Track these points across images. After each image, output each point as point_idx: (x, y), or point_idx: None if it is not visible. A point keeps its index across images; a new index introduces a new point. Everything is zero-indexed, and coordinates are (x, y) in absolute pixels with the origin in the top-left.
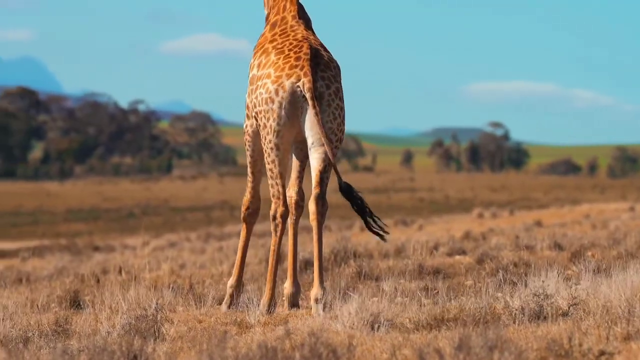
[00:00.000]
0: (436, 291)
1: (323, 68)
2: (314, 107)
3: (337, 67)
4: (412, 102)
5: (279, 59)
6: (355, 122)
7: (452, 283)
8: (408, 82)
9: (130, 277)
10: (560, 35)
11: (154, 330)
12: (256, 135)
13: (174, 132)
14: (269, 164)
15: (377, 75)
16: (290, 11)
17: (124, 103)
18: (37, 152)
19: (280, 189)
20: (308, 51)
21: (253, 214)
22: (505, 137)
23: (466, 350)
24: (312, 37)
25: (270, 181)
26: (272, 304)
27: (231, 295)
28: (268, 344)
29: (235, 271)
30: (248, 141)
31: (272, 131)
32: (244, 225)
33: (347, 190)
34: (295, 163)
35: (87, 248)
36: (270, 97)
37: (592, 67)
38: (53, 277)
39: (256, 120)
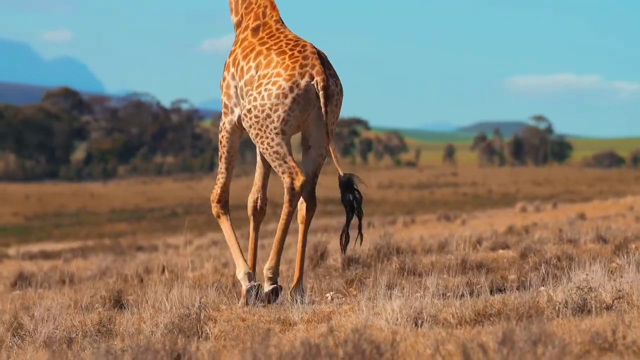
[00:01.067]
0: (479, 286)
1: (328, 66)
2: (325, 105)
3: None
4: (454, 97)
5: (284, 59)
6: (397, 117)
7: (495, 277)
8: (450, 77)
9: (173, 277)
10: (603, 28)
11: (197, 329)
12: (234, 132)
13: (216, 130)
14: (273, 147)
15: (419, 70)
16: (273, 16)
17: (166, 102)
18: (79, 152)
19: (292, 164)
20: (314, 49)
21: (226, 205)
22: (548, 130)
23: (510, 344)
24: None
25: (276, 162)
26: (277, 270)
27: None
28: (311, 341)
29: (239, 262)
30: (225, 137)
31: (280, 119)
32: (224, 219)
33: (346, 184)
34: (261, 171)
35: (131, 248)
36: (283, 93)
37: (635, 59)
38: (96, 277)
39: (251, 111)
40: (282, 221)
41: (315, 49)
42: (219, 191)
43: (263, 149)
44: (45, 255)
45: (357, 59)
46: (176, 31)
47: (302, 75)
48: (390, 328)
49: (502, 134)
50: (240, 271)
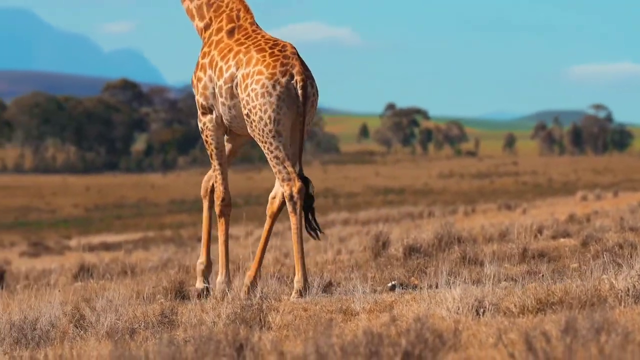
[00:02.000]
0: (541, 274)
1: (306, 67)
2: (304, 105)
3: None
4: (514, 86)
5: (264, 56)
6: (457, 106)
7: (557, 266)
8: (511, 66)
9: (234, 267)
10: None
11: (260, 319)
12: (218, 128)
13: None
14: (272, 151)
15: (479, 59)
16: (247, 19)
17: None
18: (139, 144)
19: (290, 169)
20: (294, 50)
21: (228, 206)
22: (608, 119)
23: (573, 333)
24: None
25: (277, 167)
26: (305, 278)
27: (222, 290)
28: (373, 330)
29: (221, 269)
30: (210, 135)
31: (272, 121)
32: (222, 219)
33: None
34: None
35: (192, 239)
36: (267, 91)
37: None
38: (158, 268)
39: (249, 116)
40: (294, 232)
41: (295, 49)
42: (221, 189)
43: (266, 154)
44: (106, 247)
45: (416, 49)
46: None
47: (283, 74)
48: (452, 317)
49: (561, 122)
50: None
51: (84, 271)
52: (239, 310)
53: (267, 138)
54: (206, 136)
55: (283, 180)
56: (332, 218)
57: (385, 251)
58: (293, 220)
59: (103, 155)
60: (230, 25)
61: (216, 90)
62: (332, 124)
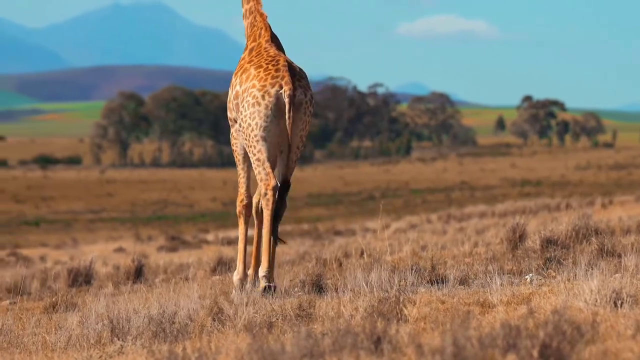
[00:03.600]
0: None
1: (299, 77)
2: (289, 112)
3: (307, 77)
4: None
5: (259, 72)
6: (595, 98)
7: None
8: None
9: (372, 260)
10: None
11: (397, 312)
12: (239, 136)
13: (413, 114)
14: (255, 154)
15: (616, 51)
16: (264, 37)
17: (362, 87)
18: None
19: (268, 170)
20: (285, 63)
21: (248, 207)
22: None
23: None
24: (283, 55)
25: (258, 169)
26: (271, 271)
27: (239, 287)
28: (511, 322)
29: (239, 264)
30: (234, 144)
31: (258, 127)
32: (242, 219)
33: (282, 191)
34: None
35: (329, 232)
36: (257, 101)
37: None
38: (295, 261)
39: (241, 125)
40: (265, 225)
41: (287, 62)
42: (242, 191)
43: (250, 156)
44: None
45: (553, 41)
46: (371, 14)
47: (272, 85)
48: (589, 309)
49: None
50: (236, 276)
51: (221, 265)
52: (376, 304)
53: (252, 142)
54: (232, 144)
55: (260, 179)
56: (469, 211)
57: (522, 243)
58: (265, 213)
59: None
60: (252, 44)
61: (232, 105)
62: (469, 116)
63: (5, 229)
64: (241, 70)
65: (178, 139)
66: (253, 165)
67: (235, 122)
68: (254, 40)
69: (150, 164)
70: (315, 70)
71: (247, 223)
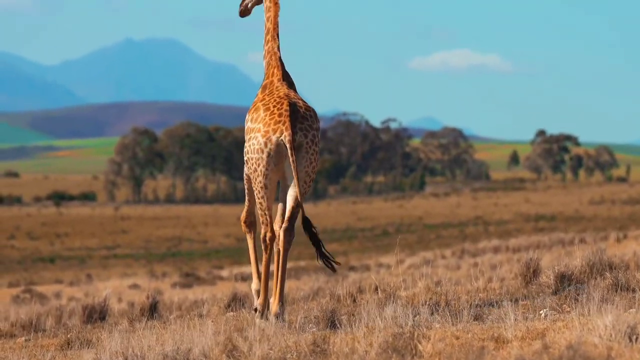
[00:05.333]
0: None
1: (301, 120)
2: (292, 156)
3: (313, 115)
4: None
5: (266, 115)
6: (607, 133)
7: None
8: None
9: (386, 296)
10: None
11: (411, 348)
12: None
13: (426, 149)
14: (259, 199)
15: (629, 84)
16: (277, 75)
17: (375, 121)
18: None
19: (268, 219)
20: (288, 108)
21: (252, 224)
22: None
23: None
24: (292, 94)
25: (260, 212)
26: (265, 309)
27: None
28: (526, 357)
29: (255, 277)
30: (246, 175)
31: (261, 174)
32: (250, 235)
33: (305, 225)
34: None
35: (343, 267)
36: (260, 148)
37: None
38: (309, 297)
39: (247, 163)
40: (263, 263)
41: (291, 104)
42: (244, 214)
43: (255, 195)
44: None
45: (566, 75)
46: (384, 49)
47: (274, 132)
48: (604, 344)
49: None
50: (254, 286)
51: (236, 301)
52: (390, 339)
53: (257, 187)
54: (245, 175)
55: (262, 223)
56: (482, 245)
57: (537, 278)
58: (264, 258)
59: None
60: (266, 82)
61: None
62: (482, 151)
63: (20, 265)
64: (254, 108)
65: (192, 175)
66: (257, 206)
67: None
68: (268, 78)
69: (165, 200)
70: (328, 105)
71: (255, 239)
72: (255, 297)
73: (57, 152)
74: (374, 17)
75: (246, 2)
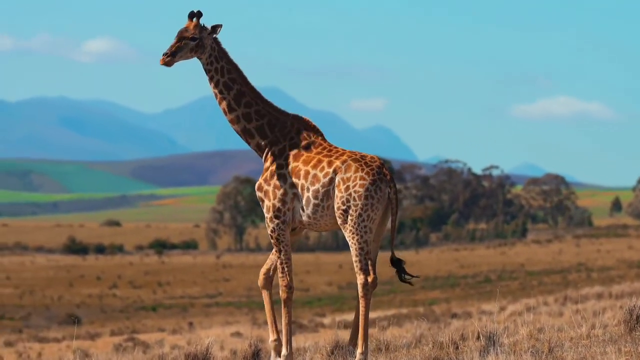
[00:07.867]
0: None
1: (392, 176)
2: (396, 207)
3: None
4: None
5: (361, 165)
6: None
7: None
8: None
9: (488, 343)
10: None
11: None
12: (287, 227)
13: (528, 196)
14: (360, 243)
15: None
16: (319, 136)
17: (477, 169)
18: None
19: (369, 262)
20: (381, 162)
21: (292, 292)
22: None
23: None
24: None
25: (359, 257)
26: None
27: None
28: None
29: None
30: (282, 235)
31: (369, 218)
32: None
33: (398, 266)
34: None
35: (445, 315)
36: (370, 195)
37: None
38: (412, 345)
39: (345, 213)
40: (361, 313)
41: (380, 160)
42: (289, 277)
43: (352, 244)
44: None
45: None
46: (486, 97)
47: (381, 181)
48: None
49: None
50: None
51: (338, 349)
52: None
53: (360, 232)
54: (278, 235)
55: (361, 269)
56: (585, 292)
57: None
58: (362, 303)
59: None
60: (305, 142)
61: (305, 194)
62: (585, 198)
63: (123, 314)
64: (323, 162)
65: None
66: (353, 253)
67: (284, 214)
68: (304, 139)
69: (266, 249)
70: (430, 153)
71: (271, 296)
72: (273, 353)
73: (159, 200)
74: (477, 65)
75: (179, 54)
